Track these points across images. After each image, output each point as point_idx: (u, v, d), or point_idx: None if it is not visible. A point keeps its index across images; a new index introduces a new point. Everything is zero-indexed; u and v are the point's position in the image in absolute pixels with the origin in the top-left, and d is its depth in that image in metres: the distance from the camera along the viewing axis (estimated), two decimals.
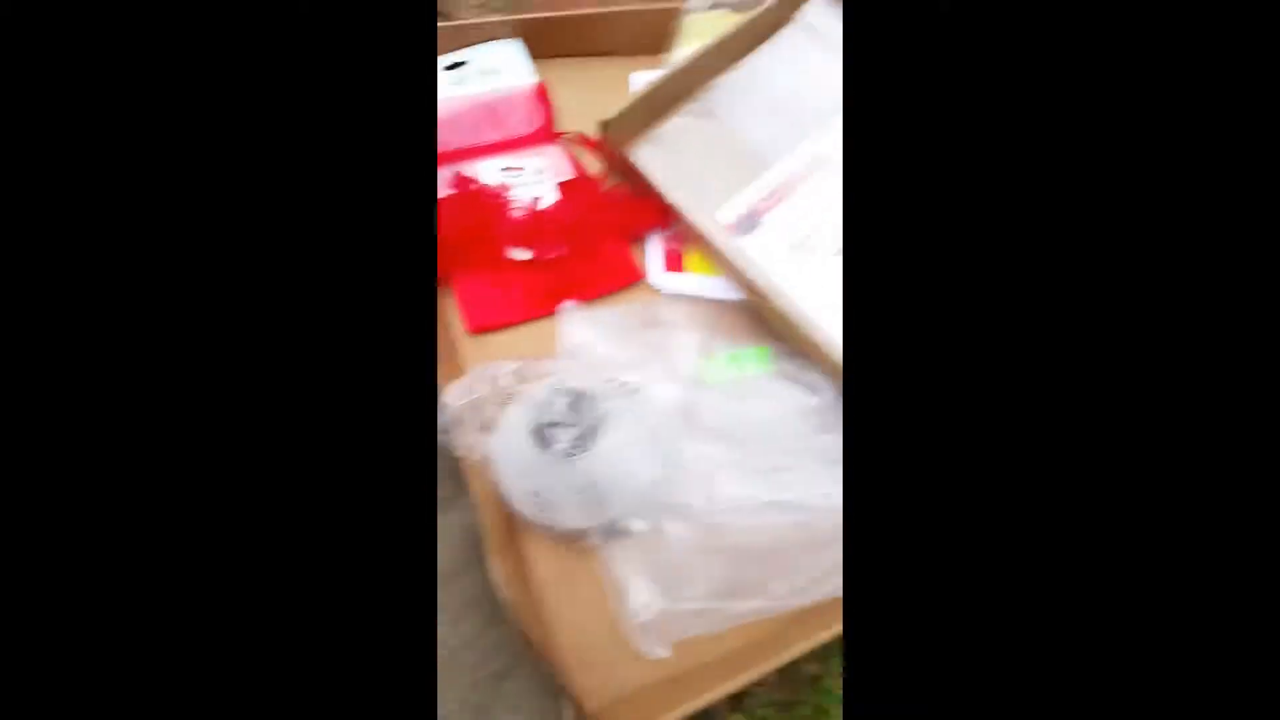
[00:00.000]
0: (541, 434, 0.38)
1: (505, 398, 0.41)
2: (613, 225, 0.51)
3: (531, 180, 0.53)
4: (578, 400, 0.39)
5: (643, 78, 0.61)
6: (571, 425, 0.38)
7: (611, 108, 0.52)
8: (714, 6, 0.59)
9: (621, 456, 0.38)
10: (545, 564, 0.42)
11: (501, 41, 0.57)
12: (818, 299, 0.50)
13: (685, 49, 0.59)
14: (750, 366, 0.49)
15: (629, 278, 0.51)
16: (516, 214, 0.51)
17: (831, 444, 0.45)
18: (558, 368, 0.42)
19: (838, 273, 0.51)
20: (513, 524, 0.42)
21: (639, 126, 0.53)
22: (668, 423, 0.43)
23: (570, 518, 0.39)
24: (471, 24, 0.57)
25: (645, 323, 0.49)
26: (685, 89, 0.55)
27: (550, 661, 0.37)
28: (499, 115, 0.55)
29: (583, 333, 0.47)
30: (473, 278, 0.50)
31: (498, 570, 0.36)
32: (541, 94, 0.56)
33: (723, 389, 0.47)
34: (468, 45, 0.57)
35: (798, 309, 0.49)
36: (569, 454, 0.38)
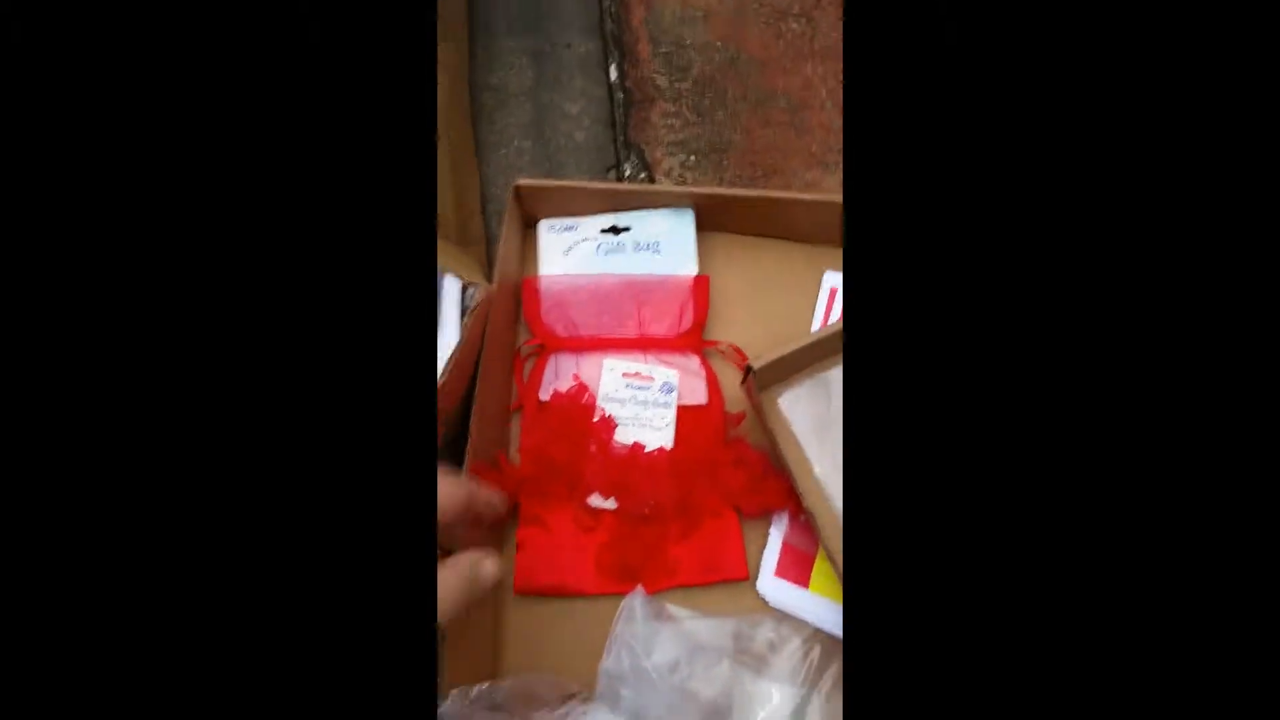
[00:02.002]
0: None
1: None
2: (729, 492, 0.39)
3: (656, 398, 0.43)
4: None
5: (838, 279, 0.48)
6: None
7: (787, 310, 0.44)
8: None
9: None
10: None
11: (673, 211, 0.47)
12: None
13: None
14: None
15: (730, 573, 0.38)
16: (616, 451, 0.41)
17: None
18: None
19: None
20: None
21: (796, 367, 0.41)
22: None
23: None
24: (643, 189, 0.47)
25: (734, 647, 0.36)
26: None
27: None
28: (645, 304, 0.45)
29: (638, 655, 0.35)
30: (538, 522, 0.40)
31: None
32: (701, 288, 0.45)
33: None
34: (634, 209, 0.48)
35: None
36: None
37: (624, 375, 0.44)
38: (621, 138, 0.54)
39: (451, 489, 0.30)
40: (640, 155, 0.54)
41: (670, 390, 0.42)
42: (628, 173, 0.53)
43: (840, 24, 0.59)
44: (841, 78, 0.57)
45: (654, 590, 0.38)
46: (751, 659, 0.36)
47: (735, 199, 0.47)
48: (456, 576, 0.29)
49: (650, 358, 0.44)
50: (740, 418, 0.42)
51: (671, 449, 0.41)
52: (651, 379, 0.43)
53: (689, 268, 0.46)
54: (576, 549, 0.39)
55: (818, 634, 0.37)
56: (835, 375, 0.41)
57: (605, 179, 0.53)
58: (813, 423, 0.40)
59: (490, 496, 0.33)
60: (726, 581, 0.39)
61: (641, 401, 0.42)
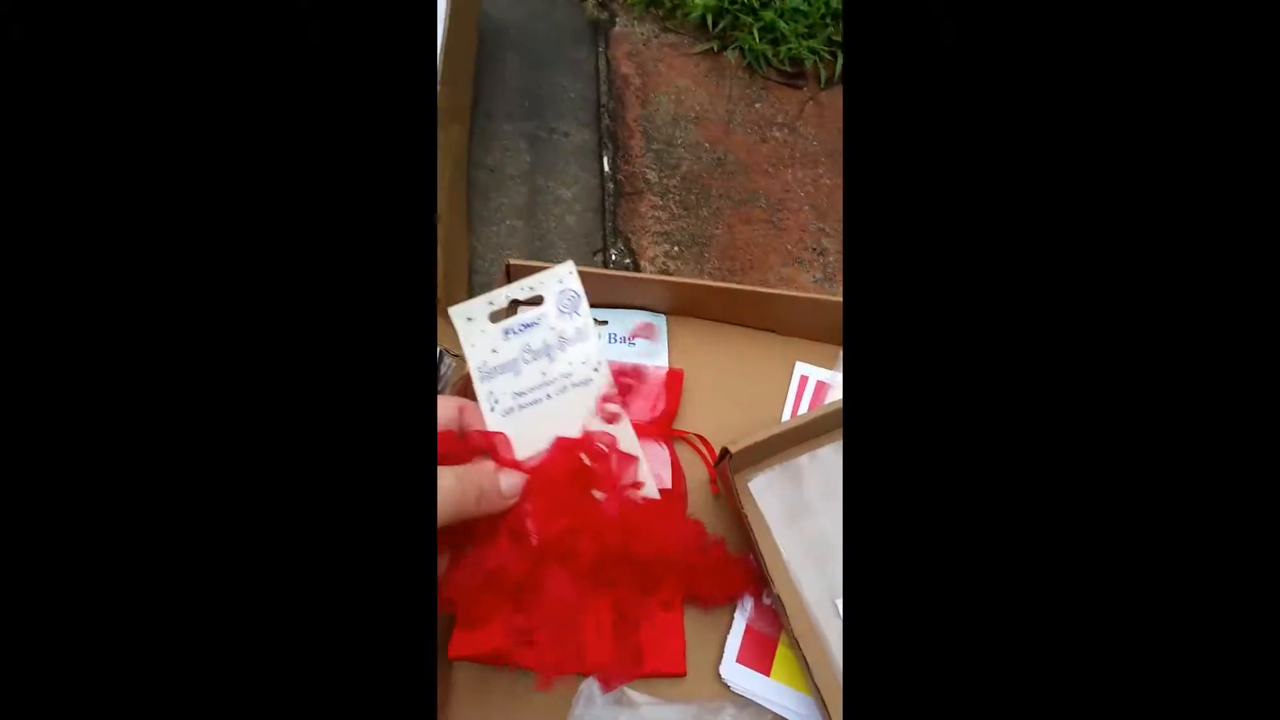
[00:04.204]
0: None
1: None
2: (692, 578, 0.39)
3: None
4: None
5: (810, 370, 0.49)
6: None
7: (758, 396, 0.44)
8: None
9: None
10: None
11: (647, 314, 0.49)
12: None
13: None
14: None
15: (668, 667, 0.38)
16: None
17: None
18: None
19: None
20: None
21: (767, 452, 0.42)
22: None
23: None
24: (628, 276, 0.49)
25: None
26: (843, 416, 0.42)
27: None
28: (622, 389, 0.46)
29: None
30: (468, 566, 0.37)
31: None
32: (674, 382, 0.46)
33: None
34: (616, 303, 0.49)
35: None
36: None
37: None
38: (610, 225, 0.56)
39: (452, 484, 0.31)
40: (626, 243, 0.56)
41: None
42: (613, 258, 0.55)
43: (819, 134, 0.63)
44: (819, 183, 0.61)
45: (591, 673, 0.37)
46: None
47: (715, 290, 0.49)
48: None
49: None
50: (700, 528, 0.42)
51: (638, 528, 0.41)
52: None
53: (661, 361, 0.48)
54: (501, 605, 0.38)
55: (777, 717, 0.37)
56: (805, 462, 0.42)
57: (592, 263, 0.55)
58: (782, 508, 0.41)
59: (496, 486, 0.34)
60: (666, 675, 0.38)
61: None
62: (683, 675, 0.38)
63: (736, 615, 0.40)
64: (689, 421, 0.47)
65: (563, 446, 0.38)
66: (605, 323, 0.48)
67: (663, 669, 0.38)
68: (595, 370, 0.40)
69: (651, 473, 0.43)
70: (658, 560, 0.39)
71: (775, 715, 0.37)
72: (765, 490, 0.41)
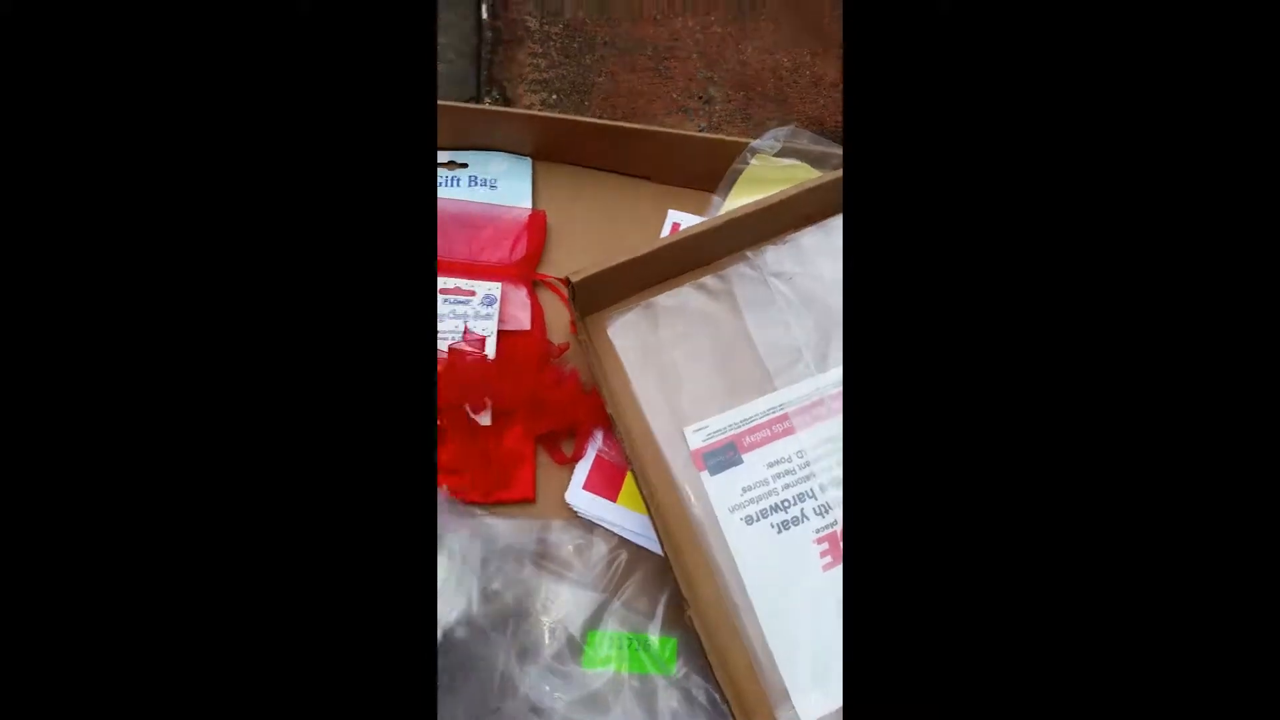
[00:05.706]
0: None
1: None
2: (544, 410, 0.40)
3: (478, 311, 0.43)
4: None
5: (682, 218, 0.49)
6: None
7: (629, 245, 0.40)
8: (783, 153, 0.46)
9: None
10: None
11: (510, 156, 0.48)
12: (776, 607, 0.35)
13: (735, 199, 0.47)
14: (646, 662, 0.35)
15: (518, 493, 0.39)
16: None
17: None
18: None
19: (818, 580, 0.36)
20: None
21: (624, 291, 0.42)
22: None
23: None
24: (493, 110, 0.48)
25: (536, 550, 0.37)
26: (703, 254, 0.42)
27: None
28: (477, 232, 0.45)
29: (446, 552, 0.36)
30: None
31: None
32: (536, 224, 0.46)
33: (589, 686, 0.34)
34: (475, 143, 0.48)
35: (744, 611, 0.35)
36: None
37: (442, 291, 0.44)
38: (485, 74, 0.54)
39: None
40: (502, 91, 0.54)
41: (492, 303, 0.43)
42: (487, 105, 0.53)
43: None
44: (709, 32, 0.59)
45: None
46: (554, 563, 0.37)
47: (587, 127, 0.48)
48: None
49: (475, 279, 0.45)
50: (563, 348, 0.43)
51: (493, 361, 0.41)
52: (473, 293, 0.44)
53: (524, 204, 0.47)
54: None
55: (624, 543, 0.39)
56: (663, 301, 0.42)
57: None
58: (638, 347, 0.41)
59: None
60: (517, 502, 0.40)
61: (460, 315, 0.43)
62: (532, 501, 0.39)
63: (589, 447, 0.41)
64: (556, 267, 0.46)
65: None
66: (465, 165, 0.47)
67: (514, 495, 0.39)
68: None
69: (507, 313, 0.43)
70: (511, 395, 0.39)
71: (620, 538, 0.39)
72: (622, 330, 0.41)
